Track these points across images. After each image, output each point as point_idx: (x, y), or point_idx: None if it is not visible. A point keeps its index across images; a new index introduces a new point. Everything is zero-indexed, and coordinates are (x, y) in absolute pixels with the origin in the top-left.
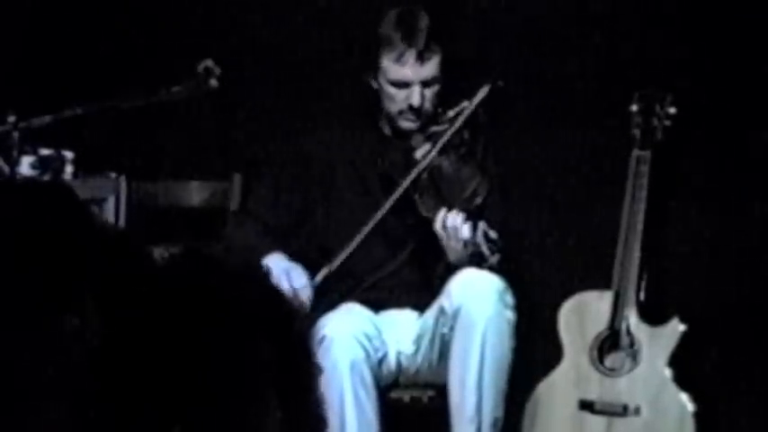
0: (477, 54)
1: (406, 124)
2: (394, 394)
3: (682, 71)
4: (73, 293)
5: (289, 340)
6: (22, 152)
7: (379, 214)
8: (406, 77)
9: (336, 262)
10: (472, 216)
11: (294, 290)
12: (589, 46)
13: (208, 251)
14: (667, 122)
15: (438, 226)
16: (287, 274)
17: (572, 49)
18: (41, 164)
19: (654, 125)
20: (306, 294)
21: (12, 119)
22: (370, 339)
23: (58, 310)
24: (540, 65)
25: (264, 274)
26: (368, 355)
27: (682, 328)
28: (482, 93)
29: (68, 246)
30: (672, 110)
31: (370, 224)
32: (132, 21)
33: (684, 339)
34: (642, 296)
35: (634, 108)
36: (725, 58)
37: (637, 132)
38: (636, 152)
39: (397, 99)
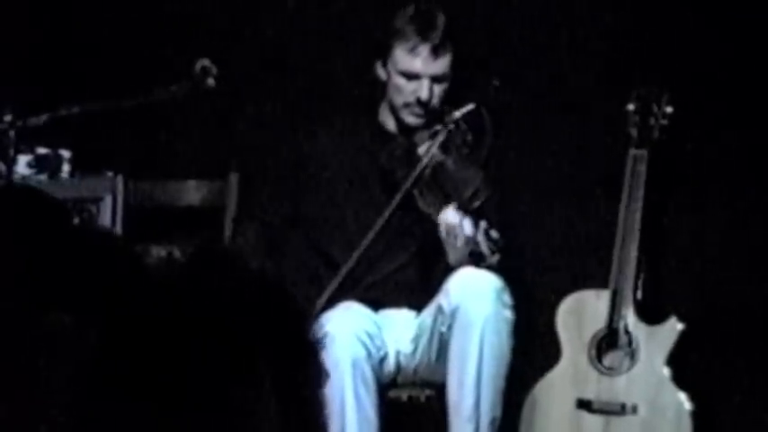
0: (477, 54)
1: (411, 119)
2: (392, 393)
3: (679, 70)
4: (67, 293)
5: (293, 345)
6: (20, 151)
7: (380, 222)
8: (418, 70)
9: (336, 281)
10: (473, 215)
11: None
12: (586, 45)
13: (219, 251)
14: (664, 121)
15: (441, 220)
16: None
17: (569, 48)
18: (38, 163)
19: (651, 124)
20: None
21: (9, 117)
22: (371, 338)
23: (50, 308)
24: (538, 64)
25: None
26: (369, 354)
27: (679, 327)
28: (467, 108)
29: (50, 247)
30: (669, 109)
31: (370, 235)
32: (129, 20)
33: (682, 338)
34: (639, 295)
35: (631, 107)
36: (722, 57)
37: (634, 131)
38: (633, 151)
39: (405, 91)
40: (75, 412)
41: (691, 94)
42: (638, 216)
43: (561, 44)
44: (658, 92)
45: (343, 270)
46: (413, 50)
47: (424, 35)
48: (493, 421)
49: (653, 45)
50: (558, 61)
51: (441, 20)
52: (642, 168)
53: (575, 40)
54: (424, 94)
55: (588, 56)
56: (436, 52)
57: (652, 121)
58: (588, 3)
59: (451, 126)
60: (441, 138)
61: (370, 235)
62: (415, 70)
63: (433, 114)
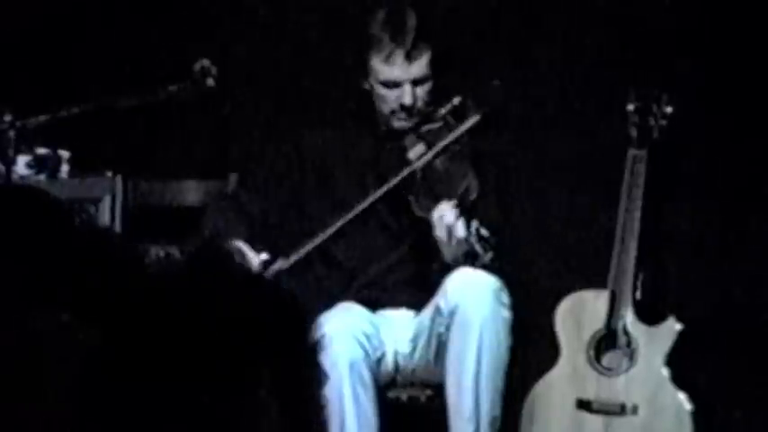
0: (472, 52)
1: (399, 124)
2: (392, 393)
3: (679, 70)
4: (67, 293)
5: (293, 344)
6: (19, 151)
7: (360, 208)
8: (396, 77)
9: (295, 256)
10: (465, 214)
11: None
12: (586, 45)
13: (223, 252)
14: (664, 121)
15: (435, 218)
16: (241, 257)
17: (569, 47)
18: (38, 163)
19: (650, 124)
20: None
21: (8, 118)
22: (368, 338)
23: (50, 308)
24: (537, 63)
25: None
26: (367, 354)
27: (678, 327)
28: (472, 120)
29: (52, 246)
30: (668, 109)
31: (348, 216)
32: (129, 20)
33: (681, 338)
34: (638, 295)
35: (631, 107)
36: (721, 57)
37: (633, 131)
38: (632, 151)
39: (389, 99)
40: (75, 410)
41: (691, 95)
42: (637, 216)
43: (561, 44)
44: (658, 92)
45: (314, 240)
46: (388, 58)
47: (397, 40)
48: (493, 421)
49: (653, 45)
50: (557, 61)
51: (412, 21)
52: (642, 168)
53: (574, 39)
54: (407, 100)
55: (589, 55)
56: (411, 56)
57: (652, 121)
58: (589, 2)
59: (439, 125)
60: (429, 140)
61: (349, 215)
62: (393, 78)
63: (419, 116)
